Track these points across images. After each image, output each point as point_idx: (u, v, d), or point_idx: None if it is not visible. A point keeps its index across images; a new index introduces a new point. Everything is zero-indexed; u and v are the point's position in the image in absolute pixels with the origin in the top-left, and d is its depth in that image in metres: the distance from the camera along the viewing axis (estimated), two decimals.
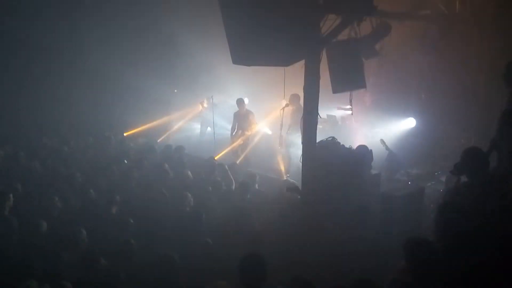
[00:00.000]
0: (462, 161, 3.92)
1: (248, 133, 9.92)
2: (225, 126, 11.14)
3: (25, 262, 4.37)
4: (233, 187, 7.19)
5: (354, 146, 6.85)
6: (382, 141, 8.52)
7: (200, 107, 11.59)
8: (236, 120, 10.13)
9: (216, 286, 3.90)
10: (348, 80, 6.30)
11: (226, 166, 7.89)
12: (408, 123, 10.01)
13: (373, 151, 6.70)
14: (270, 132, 10.64)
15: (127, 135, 11.24)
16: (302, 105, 7.10)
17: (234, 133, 10.09)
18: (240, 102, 10.05)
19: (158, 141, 10.94)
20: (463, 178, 4.07)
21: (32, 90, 11.38)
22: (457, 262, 3.20)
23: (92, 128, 10.88)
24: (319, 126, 6.48)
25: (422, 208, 6.29)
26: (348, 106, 7.39)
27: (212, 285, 3.91)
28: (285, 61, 5.85)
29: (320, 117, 6.31)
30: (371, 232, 5.40)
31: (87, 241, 4.99)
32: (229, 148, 9.94)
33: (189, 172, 7.66)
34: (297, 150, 7.99)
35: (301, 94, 6.38)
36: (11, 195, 5.75)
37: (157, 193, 6.57)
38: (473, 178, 3.85)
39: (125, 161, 8.29)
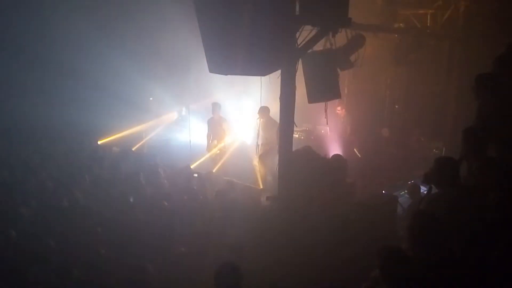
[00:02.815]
0: (433, 170, 4.00)
1: (222, 142, 9.65)
2: (201, 134, 11.06)
3: None
4: (210, 196, 7.14)
5: (329, 155, 6.92)
6: None
7: (177, 115, 11.49)
8: (210, 127, 9.76)
9: None
10: (324, 90, 6.39)
11: (203, 175, 7.84)
12: (382, 133, 10.21)
13: (347, 160, 6.78)
14: (248, 141, 10.63)
15: (101, 143, 11.04)
16: (271, 117, 8.01)
17: (210, 141, 9.80)
18: (215, 106, 9.54)
19: (133, 149, 10.78)
20: (435, 187, 4.15)
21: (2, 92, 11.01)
22: (429, 271, 3.25)
23: (65, 136, 10.62)
24: (295, 135, 6.53)
25: (395, 217, 6.39)
26: None
27: None
28: (262, 70, 5.89)
29: (296, 126, 6.36)
30: (346, 240, 5.44)
31: (56, 254, 4.82)
32: (205, 157, 9.84)
33: (165, 181, 7.57)
34: (273, 159, 8.05)
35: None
36: None
37: (131, 203, 6.45)
38: (442, 187, 3.92)
39: (98, 170, 8.12)
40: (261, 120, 8.76)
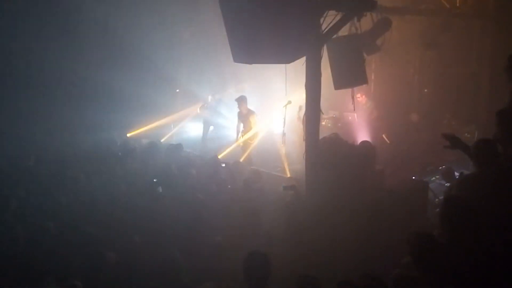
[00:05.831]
0: (474, 152, 3.83)
1: (249, 134, 9.62)
2: (228, 124, 11.12)
3: (34, 265, 4.37)
4: (238, 185, 7.19)
5: (357, 142, 6.84)
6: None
7: (203, 105, 11.57)
8: (239, 120, 9.80)
9: None
10: (350, 76, 6.30)
11: (230, 165, 7.89)
12: (411, 118, 10.00)
13: (376, 146, 6.69)
14: (275, 130, 10.63)
15: (131, 136, 11.27)
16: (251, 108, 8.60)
17: (239, 134, 9.75)
18: (240, 100, 9.52)
19: (162, 141, 10.95)
20: (466, 172, 4.04)
21: (35, 93, 11.36)
22: (462, 257, 3.20)
23: (95, 130, 10.88)
24: (321, 123, 6.49)
25: (426, 202, 6.29)
26: None
27: (201, 286, 3.88)
28: (286, 58, 5.85)
29: (323, 114, 6.31)
30: (376, 227, 5.39)
31: (91, 241, 4.99)
32: (232, 147, 9.90)
33: (194, 171, 7.67)
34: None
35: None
36: (14, 200, 5.78)
37: (161, 193, 6.58)
38: (481, 167, 3.77)
39: (130, 161, 8.30)
40: (242, 111, 8.81)
